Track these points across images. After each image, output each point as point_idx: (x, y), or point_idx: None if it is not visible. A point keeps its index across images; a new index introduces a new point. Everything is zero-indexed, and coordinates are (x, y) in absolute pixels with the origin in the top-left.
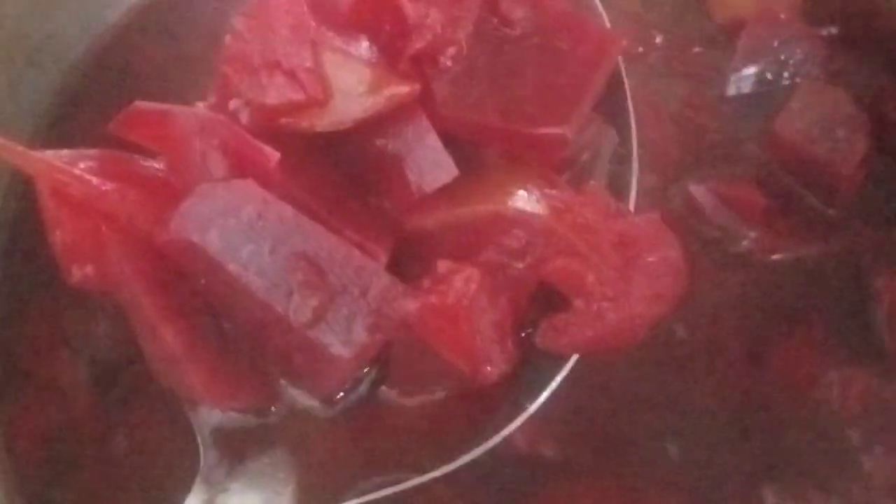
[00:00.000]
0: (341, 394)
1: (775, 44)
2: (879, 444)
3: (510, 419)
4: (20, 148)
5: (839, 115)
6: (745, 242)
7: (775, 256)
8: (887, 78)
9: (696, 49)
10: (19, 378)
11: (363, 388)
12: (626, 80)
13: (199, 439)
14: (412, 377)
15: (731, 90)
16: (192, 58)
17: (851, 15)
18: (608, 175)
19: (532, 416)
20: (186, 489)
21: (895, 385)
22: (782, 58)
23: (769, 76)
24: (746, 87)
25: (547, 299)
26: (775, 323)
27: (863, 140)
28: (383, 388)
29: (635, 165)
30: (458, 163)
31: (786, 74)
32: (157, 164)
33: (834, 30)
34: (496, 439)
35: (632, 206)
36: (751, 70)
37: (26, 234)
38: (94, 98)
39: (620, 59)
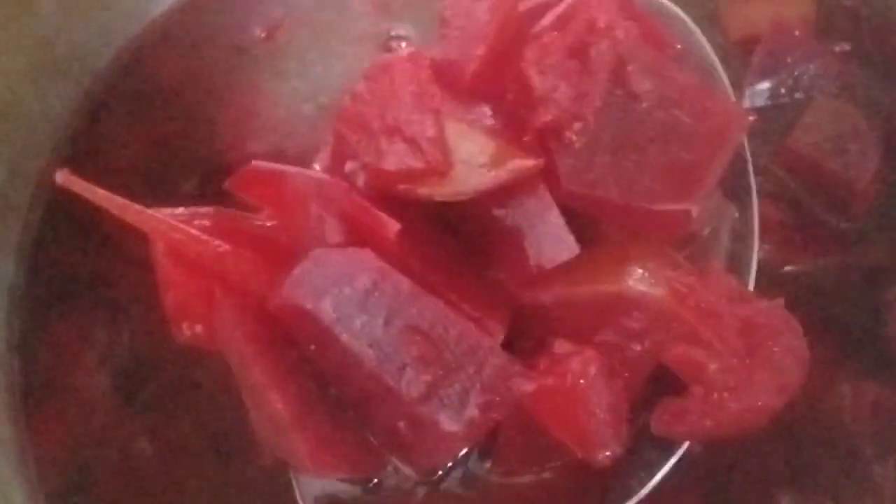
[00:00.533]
0: (442, 470)
1: (789, 60)
2: (891, 456)
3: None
4: (137, 207)
5: (852, 130)
6: (759, 255)
7: (788, 268)
8: None
9: None
10: (44, 386)
11: (466, 465)
12: (748, 154)
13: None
14: (519, 456)
15: (746, 103)
16: (213, 69)
17: (864, 32)
18: (727, 255)
19: None
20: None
21: None
22: (796, 73)
23: (783, 91)
24: (760, 101)
25: (659, 378)
26: None
27: (875, 155)
28: (487, 464)
29: (756, 243)
30: (576, 235)
31: (800, 90)
32: (266, 223)
33: (847, 46)
34: None
35: (751, 286)
36: (765, 85)
37: (51, 243)
38: (119, 107)
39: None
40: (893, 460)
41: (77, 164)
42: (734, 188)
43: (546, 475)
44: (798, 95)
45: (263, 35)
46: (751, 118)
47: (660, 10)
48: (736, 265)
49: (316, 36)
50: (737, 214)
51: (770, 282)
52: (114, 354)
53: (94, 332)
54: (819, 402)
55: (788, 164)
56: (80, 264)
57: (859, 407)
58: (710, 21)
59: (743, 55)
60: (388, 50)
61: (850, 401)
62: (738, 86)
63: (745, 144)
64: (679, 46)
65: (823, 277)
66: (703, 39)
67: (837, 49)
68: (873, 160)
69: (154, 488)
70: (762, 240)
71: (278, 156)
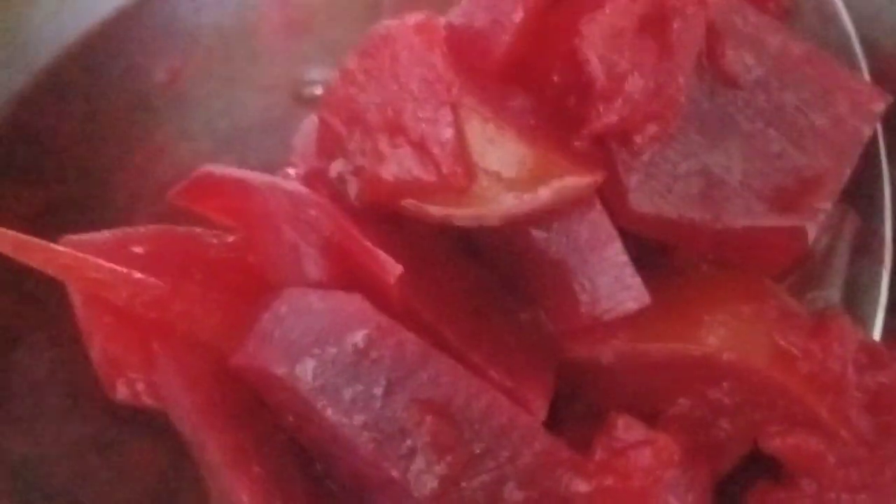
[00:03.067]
0: None
1: None
2: None
3: None
4: (43, 244)
5: None
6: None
7: None
8: None
9: None
10: None
11: None
12: (883, 149)
13: None
14: None
15: None
16: (110, 123)
17: None
18: (847, 278)
19: None
20: None
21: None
22: None
23: None
24: None
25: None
26: None
27: None
28: None
29: (888, 260)
30: (645, 272)
31: None
32: (231, 242)
33: None
34: None
35: (879, 324)
36: None
37: None
38: (8, 169)
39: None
40: None
41: None
42: (857, 188)
43: None
44: None
45: (166, 78)
46: (889, 98)
47: None
48: (857, 294)
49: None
50: (860, 223)
51: None
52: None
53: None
54: None
55: None
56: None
57: None
58: None
59: None
60: (300, 98)
61: None
62: None
63: (879, 130)
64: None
65: None
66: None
67: None
68: None
69: None
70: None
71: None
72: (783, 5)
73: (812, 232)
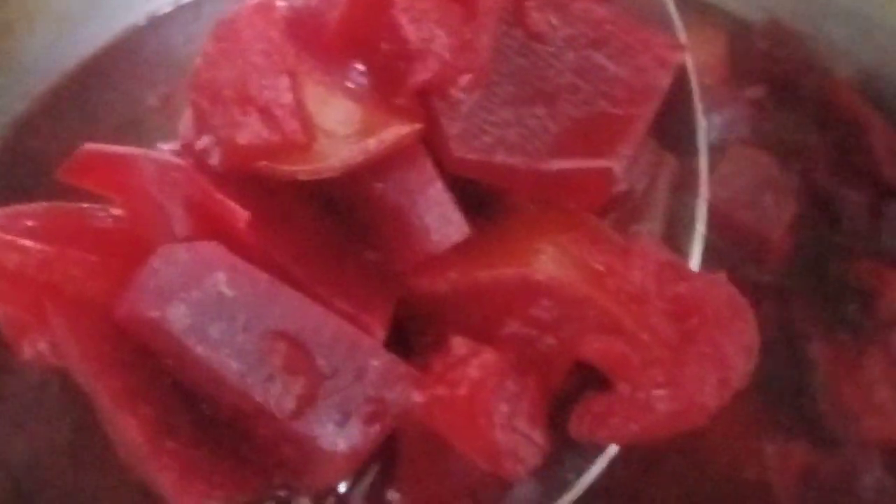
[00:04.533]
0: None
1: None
2: None
3: None
4: None
5: (766, 179)
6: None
7: None
8: (816, 137)
9: None
10: None
11: (364, 487)
12: (696, 89)
13: None
14: (425, 478)
15: None
16: (104, 141)
17: (777, 75)
18: (667, 212)
19: None
20: None
21: (833, 457)
22: (708, 122)
23: None
24: None
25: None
26: None
27: (791, 204)
28: (391, 491)
29: (704, 197)
30: (477, 212)
31: (713, 137)
32: (117, 215)
33: (760, 91)
34: None
35: (697, 255)
36: None
37: None
38: (6, 189)
39: (690, 63)
40: None
41: None
42: (674, 133)
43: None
44: (712, 144)
45: (158, 103)
46: (684, 48)
47: None
48: (678, 227)
49: None
50: (677, 166)
51: None
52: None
53: None
54: (743, 466)
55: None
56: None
57: (785, 472)
58: None
59: None
60: None
61: (775, 465)
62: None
63: (692, 76)
64: None
65: None
66: None
67: (750, 94)
68: (789, 209)
69: None
70: None
71: None
72: None
73: (619, 171)
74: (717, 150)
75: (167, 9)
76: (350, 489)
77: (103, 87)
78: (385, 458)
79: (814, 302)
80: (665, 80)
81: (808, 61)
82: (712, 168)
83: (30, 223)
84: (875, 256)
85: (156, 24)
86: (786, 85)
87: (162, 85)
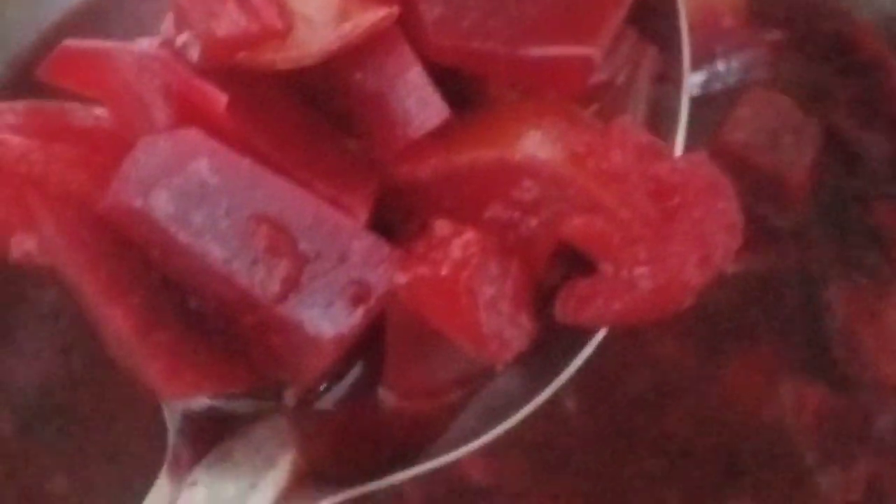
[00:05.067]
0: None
1: (719, 50)
2: (835, 464)
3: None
4: None
5: (786, 122)
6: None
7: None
8: (837, 81)
9: None
10: None
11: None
12: None
13: (168, 426)
14: (410, 367)
15: None
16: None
17: (797, 18)
18: (649, 104)
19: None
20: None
21: (849, 400)
22: (727, 65)
23: (715, 81)
24: (693, 91)
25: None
26: (728, 338)
27: (811, 147)
28: (380, 389)
29: (685, 88)
30: (459, 99)
31: (732, 80)
32: (100, 114)
33: (780, 34)
34: (507, 424)
35: (679, 141)
36: (695, 79)
37: None
38: None
39: None
40: (836, 468)
41: None
42: (655, 25)
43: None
44: (730, 85)
45: None
46: None
47: None
48: (661, 117)
49: None
50: (658, 57)
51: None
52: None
53: None
54: (760, 407)
55: (721, 159)
56: None
57: (801, 411)
58: None
59: None
60: None
61: (791, 404)
62: None
63: None
64: None
65: (761, 277)
66: None
67: (770, 37)
68: (809, 152)
69: None
70: None
71: None
72: None
73: (598, 59)
74: (736, 93)
75: None
76: (336, 386)
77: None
78: (371, 356)
79: (832, 246)
80: None
81: (829, 5)
82: (732, 108)
83: (11, 120)
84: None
85: None
86: (806, 29)
87: None
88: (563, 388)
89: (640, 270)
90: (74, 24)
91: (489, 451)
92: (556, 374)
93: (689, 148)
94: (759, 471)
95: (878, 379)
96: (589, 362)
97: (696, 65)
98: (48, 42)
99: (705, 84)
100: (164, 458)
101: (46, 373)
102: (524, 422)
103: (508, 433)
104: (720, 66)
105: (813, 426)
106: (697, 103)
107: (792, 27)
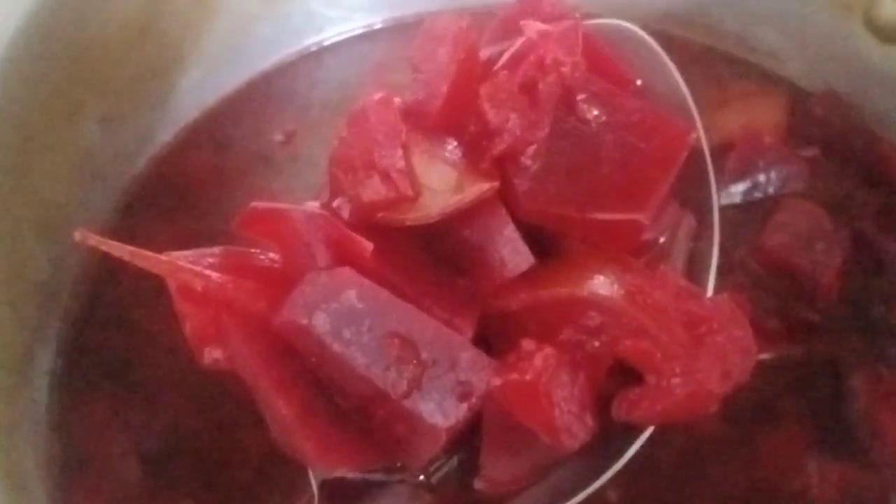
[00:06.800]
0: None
1: (761, 163)
2: None
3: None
4: (149, 253)
5: (819, 228)
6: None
7: (762, 356)
8: (865, 194)
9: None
10: (80, 462)
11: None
12: (710, 163)
13: (314, 491)
14: (501, 454)
15: (723, 201)
16: (236, 168)
17: (831, 137)
18: (687, 256)
19: None
20: None
21: (869, 476)
22: (767, 176)
23: (756, 191)
24: (736, 200)
25: (627, 375)
26: (761, 418)
27: (840, 251)
28: (476, 480)
29: (716, 247)
30: (542, 251)
31: (771, 190)
32: (274, 257)
33: (816, 151)
34: (576, 500)
35: (711, 287)
36: (739, 186)
37: (89, 330)
38: (152, 207)
39: (706, 145)
40: None
41: (113, 259)
42: (694, 199)
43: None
44: (770, 195)
45: (283, 139)
46: (693, 135)
47: (637, 46)
48: (696, 267)
49: (327, 146)
50: (695, 223)
51: None
52: (145, 435)
53: (127, 414)
54: (788, 483)
55: (762, 259)
56: (115, 352)
57: (825, 485)
58: None
59: (718, 159)
60: None
61: (816, 478)
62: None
63: (708, 157)
64: (639, 82)
65: (793, 364)
66: (676, 74)
67: (806, 153)
68: (838, 256)
69: None
70: None
71: None
72: (634, 83)
73: (646, 222)
74: (775, 201)
75: (293, 58)
76: (442, 472)
77: (237, 123)
78: (470, 451)
79: (857, 339)
80: (681, 153)
81: (859, 127)
82: (769, 218)
83: (210, 260)
84: None
85: (283, 70)
86: (838, 147)
87: (287, 123)
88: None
89: (676, 381)
90: (233, 99)
91: None
92: (613, 462)
93: (731, 248)
94: None
95: None
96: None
97: (740, 176)
98: (211, 113)
99: (747, 192)
100: None
101: (177, 428)
102: None
103: None
104: (761, 177)
105: (836, 497)
106: (740, 209)
107: (825, 145)
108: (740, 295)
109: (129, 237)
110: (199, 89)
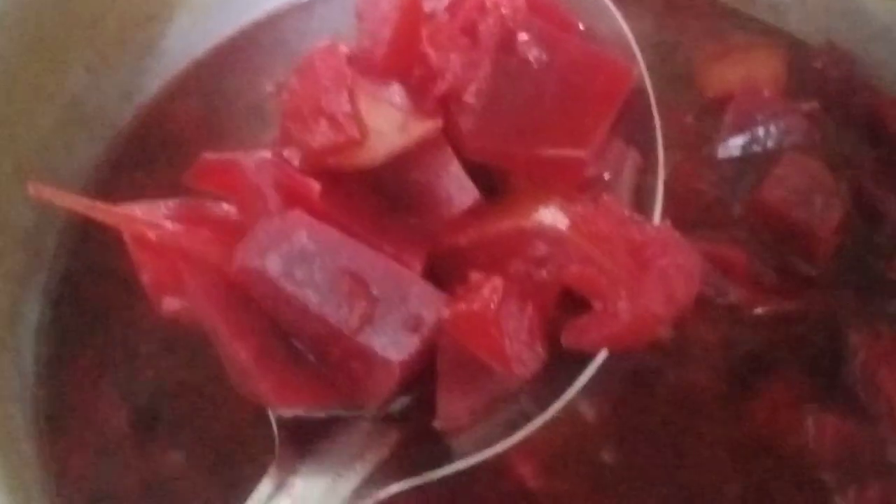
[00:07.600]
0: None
1: (759, 117)
2: (852, 485)
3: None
4: (103, 205)
5: (817, 183)
6: (730, 297)
7: (758, 311)
8: (865, 149)
9: (689, 119)
10: (67, 413)
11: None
12: (653, 101)
13: (275, 431)
14: (455, 389)
15: (721, 154)
16: (226, 119)
17: (830, 91)
18: (634, 190)
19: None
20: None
21: (866, 430)
22: (766, 130)
23: (754, 145)
24: (734, 154)
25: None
26: (757, 372)
27: (839, 206)
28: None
29: (661, 182)
30: (490, 189)
31: (770, 144)
32: (229, 208)
33: (815, 105)
34: (528, 428)
35: (657, 217)
36: (738, 140)
37: (75, 284)
38: (139, 158)
39: (648, 81)
40: (854, 488)
41: None
42: (639, 136)
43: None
44: (769, 149)
45: (273, 90)
46: (633, 72)
47: None
48: (643, 198)
49: None
50: (640, 159)
51: (741, 323)
52: (132, 385)
53: (114, 365)
54: (783, 437)
55: (759, 213)
56: (102, 304)
57: (821, 438)
58: (687, 80)
59: (717, 112)
60: None
61: (812, 432)
62: (710, 139)
63: (651, 97)
64: (582, 27)
65: (789, 319)
66: (619, 18)
67: (805, 107)
68: (837, 211)
69: None
70: (734, 283)
71: None
72: (577, 27)
73: (588, 158)
74: (773, 155)
75: (285, 7)
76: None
77: (227, 73)
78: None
79: (855, 295)
80: (622, 90)
81: (859, 80)
82: (768, 172)
83: (165, 210)
84: None
85: (274, 20)
86: (838, 101)
87: (278, 74)
88: (599, 425)
89: (622, 305)
90: (223, 49)
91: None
92: (566, 389)
93: (729, 203)
94: (783, 492)
95: (893, 413)
96: (625, 394)
97: (739, 130)
98: (200, 63)
99: (746, 146)
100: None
101: (163, 379)
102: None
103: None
104: (760, 131)
105: (832, 451)
106: (739, 163)
107: (825, 99)
108: (738, 249)
109: (115, 188)
110: (187, 39)
